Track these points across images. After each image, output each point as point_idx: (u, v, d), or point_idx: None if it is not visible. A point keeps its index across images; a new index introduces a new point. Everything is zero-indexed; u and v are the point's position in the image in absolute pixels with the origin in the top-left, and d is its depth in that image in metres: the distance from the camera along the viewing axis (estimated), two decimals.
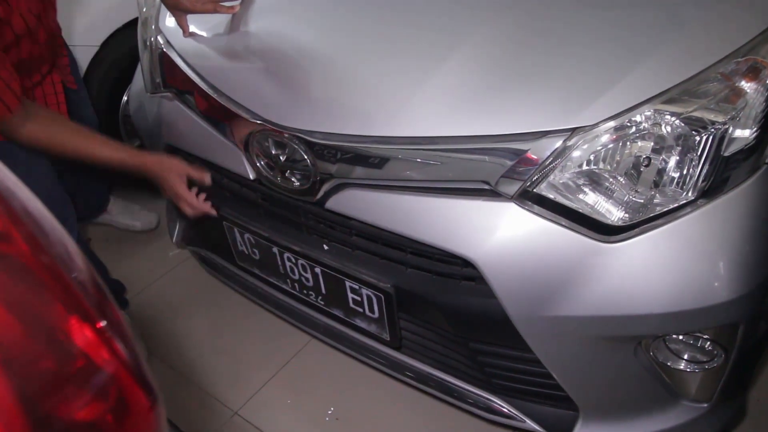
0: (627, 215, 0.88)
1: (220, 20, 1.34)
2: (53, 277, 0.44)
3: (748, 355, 1.00)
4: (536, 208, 0.90)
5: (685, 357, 0.96)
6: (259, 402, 1.51)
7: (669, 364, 0.96)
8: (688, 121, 0.87)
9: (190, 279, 1.90)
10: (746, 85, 0.87)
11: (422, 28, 1.15)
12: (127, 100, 1.77)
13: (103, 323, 0.44)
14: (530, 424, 1.08)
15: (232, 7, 1.37)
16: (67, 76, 1.58)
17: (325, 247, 1.14)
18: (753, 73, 0.88)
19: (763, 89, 0.88)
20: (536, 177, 0.90)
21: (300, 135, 1.03)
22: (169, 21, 1.37)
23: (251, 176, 1.15)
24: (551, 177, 0.90)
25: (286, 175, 1.08)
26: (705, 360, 0.96)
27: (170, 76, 1.33)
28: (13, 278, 0.41)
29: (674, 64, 0.91)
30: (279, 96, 1.13)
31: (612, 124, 0.88)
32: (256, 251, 1.26)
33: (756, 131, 0.87)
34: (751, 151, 0.87)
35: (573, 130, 0.88)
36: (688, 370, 0.97)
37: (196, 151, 1.28)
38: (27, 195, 0.50)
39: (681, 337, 0.94)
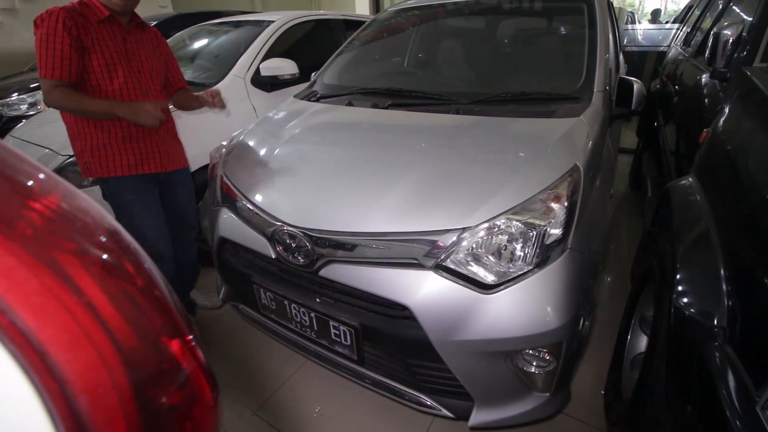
0: (496, 278, 0.98)
1: (257, 161, 1.43)
2: (157, 299, 0.42)
3: (569, 361, 1.04)
4: (444, 274, 0.99)
5: (534, 364, 1.02)
6: (271, 404, 1.49)
7: (525, 368, 1.01)
8: (525, 224, 0.99)
9: (230, 319, 1.92)
10: (554, 206, 1.01)
11: (381, 164, 1.24)
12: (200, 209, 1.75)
13: (190, 336, 0.43)
14: (445, 412, 1.10)
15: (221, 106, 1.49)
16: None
17: (317, 300, 1.16)
18: (557, 198, 1.02)
19: (563, 207, 1.01)
20: (443, 256, 0.99)
21: (304, 231, 1.12)
22: (225, 165, 1.46)
23: (273, 256, 1.20)
24: (452, 256, 0.99)
25: (295, 255, 1.15)
26: (544, 365, 1.01)
27: (225, 195, 1.41)
28: (130, 300, 0.38)
29: (516, 193, 1.03)
30: (292, 206, 1.19)
31: (485, 225, 0.99)
32: (274, 303, 1.27)
33: (561, 230, 1.00)
34: (560, 241, 0.99)
35: (463, 229, 1.00)
36: (536, 372, 1.01)
37: (238, 239, 1.32)
38: (129, 235, 0.45)
39: (530, 351, 1.00)
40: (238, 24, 2.79)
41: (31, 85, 3.79)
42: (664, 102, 2.53)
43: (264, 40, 2.48)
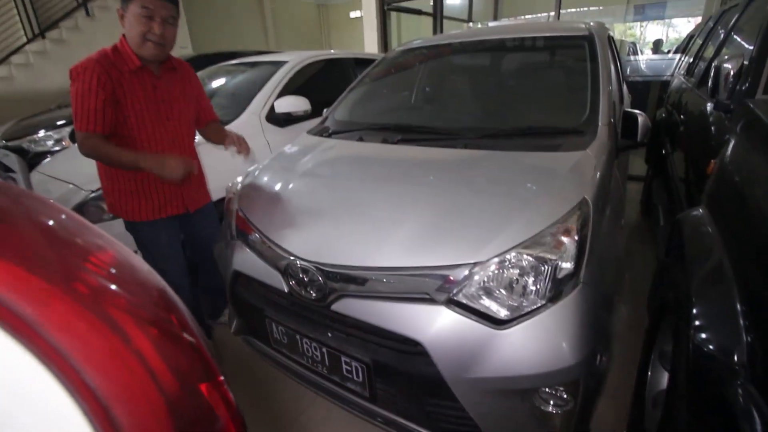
0: (508, 312, 0.97)
1: (271, 196, 1.46)
2: (195, 348, 0.45)
3: (588, 400, 1.01)
4: (457, 309, 0.98)
5: (551, 403, 0.98)
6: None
7: (542, 407, 0.98)
8: (536, 258, 0.99)
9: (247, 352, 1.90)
10: (564, 239, 1.01)
11: (392, 198, 1.25)
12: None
13: (221, 377, 0.47)
14: None
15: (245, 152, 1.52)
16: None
17: (329, 335, 1.15)
18: (567, 232, 1.02)
19: (574, 241, 1.01)
20: (455, 290, 0.99)
21: (317, 265, 1.12)
22: (241, 200, 1.50)
23: (285, 290, 1.21)
24: (464, 290, 0.99)
25: (307, 289, 1.15)
26: (562, 404, 0.97)
27: (240, 230, 1.43)
28: (174, 349, 0.41)
29: (526, 227, 1.03)
30: (305, 241, 1.20)
31: (496, 260, 0.99)
32: (285, 338, 1.26)
33: (573, 264, 0.99)
34: (572, 275, 0.98)
35: (475, 263, 1.00)
36: (554, 411, 0.98)
37: (251, 273, 1.33)
38: (172, 292, 0.49)
39: (547, 389, 0.97)
40: (254, 64, 2.93)
41: (58, 123, 3.98)
42: (670, 131, 2.55)
43: (278, 79, 2.59)
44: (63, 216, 0.37)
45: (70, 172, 2.22)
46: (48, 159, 2.63)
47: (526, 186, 1.20)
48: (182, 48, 7.95)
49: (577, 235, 1.03)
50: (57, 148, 3.74)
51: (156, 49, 1.33)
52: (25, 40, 6.54)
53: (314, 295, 1.15)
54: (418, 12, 6.33)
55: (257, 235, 1.34)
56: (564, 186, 1.16)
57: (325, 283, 1.12)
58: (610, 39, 2.22)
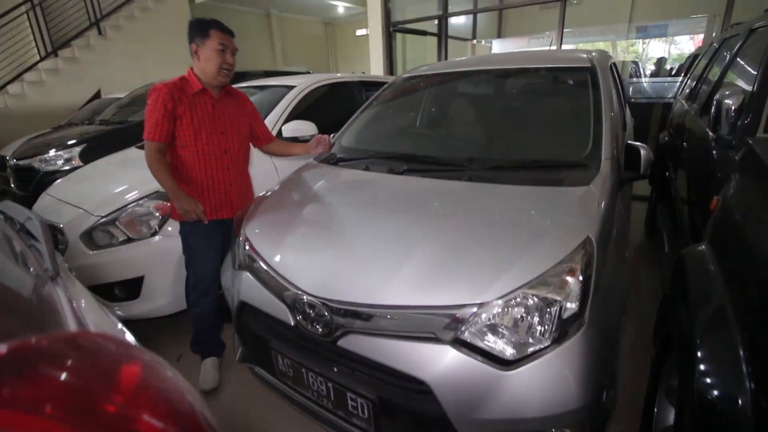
0: (514, 352, 0.97)
1: (279, 226, 1.48)
2: None
3: None
4: (462, 349, 0.99)
5: None
6: None
7: None
8: (542, 299, 1.00)
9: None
10: (569, 279, 1.02)
11: (398, 234, 1.26)
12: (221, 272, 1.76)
13: None
14: None
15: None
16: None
17: (335, 370, 1.15)
18: (571, 272, 1.03)
19: (578, 281, 1.02)
20: (461, 330, 1.00)
21: (323, 301, 1.14)
22: (249, 230, 1.52)
23: (292, 323, 1.22)
24: (470, 330, 1.00)
25: (314, 324, 1.17)
26: None
27: (247, 259, 1.44)
28: None
29: (531, 267, 1.04)
30: (312, 275, 1.21)
31: (501, 300, 1.00)
32: (291, 370, 1.27)
33: (578, 305, 1.00)
34: (577, 316, 1.00)
35: (481, 304, 1.01)
36: None
37: (258, 305, 1.34)
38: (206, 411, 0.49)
39: (554, 430, 0.97)
40: (263, 87, 2.99)
41: (68, 142, 4.06)
42: (673, 156, 2.57)
43: (286, 104, 2.65)
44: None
45: (80, 197, 2.27)
46: (58, 181, 2.67)
47: (531, 223, 1.22)
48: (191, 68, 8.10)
49: (582, 275, 1.04)
50: (67, 168, 3.81)
51: (227, 77, 1.64)
52: (38, 58, 6.71)
53: (321, 330, 1.17)
54: (423, 33, 6.46)
55: (264, 265, 1.36)
56: (568, 224, 1.17)
57: (331, 318, 1.14)
58: (613, 67, 2.26)
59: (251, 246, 1.46)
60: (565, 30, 4.72)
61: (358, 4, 9.95)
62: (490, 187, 1.43)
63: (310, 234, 1.41)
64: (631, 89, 5.00)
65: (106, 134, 4.21)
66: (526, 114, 1.97)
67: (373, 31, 5.88)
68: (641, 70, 6.30)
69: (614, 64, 2.49)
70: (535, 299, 1.01)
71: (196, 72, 1.62)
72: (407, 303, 1.06)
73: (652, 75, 6.10)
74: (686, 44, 7.53)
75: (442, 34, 5.75)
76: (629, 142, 1.60)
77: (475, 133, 2.00)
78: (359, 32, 11.48)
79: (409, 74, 2.42)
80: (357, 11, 10.70)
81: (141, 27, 7.51)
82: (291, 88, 2.78)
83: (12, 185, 4.14)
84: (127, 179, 2.33)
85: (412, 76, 2.39)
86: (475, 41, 8.44)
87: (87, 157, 3.80)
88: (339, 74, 3.32)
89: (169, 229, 2.08)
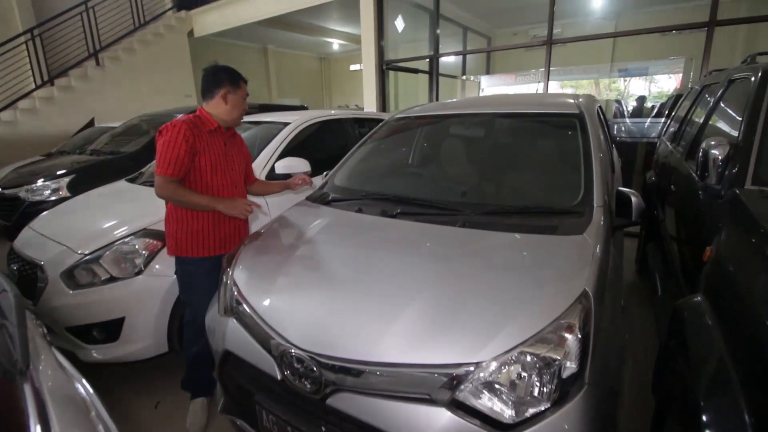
0: (513, 414, 0.93)
1: (267, 271, 1.43)
2: None
3: None
4: (459, 412, 0.94)
5: None
6: None
7: None
8: (540, 359, 0.96)
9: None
10: (567, 336, 0.98)
11: (391, 283, 1.21)
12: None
13: None
14: None
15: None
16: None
17: (323, 429, 1.10)
18: (569, 329, 0.99)
19: (577, 339, 0.99)
20: (457, 391, 0.95)
21: (313, 356, 1.09)
22: (237, 274, 1.47)
23: (278, 377, 1.17)
24: (465, 391, 0.96)
25: (302, 380, 1.11)
26: None
27: (234, 305, 1.39)
28: None
29: (528, 323, 1.00)
30: (301, 327, 1.16)
31: (498, 360, 0.96)
32: (276, 428, 1.20)
33: (577, 364, 0.96)
34: (577, 376, 0.96)
35: (477, 363, 0.96)
36: None
37: (243, 355, 1.28)
38: None
39: None
40: (258, 123, 3.01)
41: (57, 172, 4.00)
42: (661, 196, 2.61)
43: (280, 141, 2.66)
44: None
45: (64, 232, 2.20)
46: (44, 213, 2.60)
47: (527, 275, 1.19)
48: (187, 96, 8.21)
49: (580, 332, 1.01)
50: (54, 198, 3.74)
51: (241, 120, 1.80)
52: (33, 86, 6.74)
53: (309, 386, 1.11)
54: (415, 71, 6.67)
55: (251, 312, 1.31)
56: (564, 276, 1.15)
57: (320, 374, 1.08)
58: (600, 113, 2.33)
59: (239, 291, 1.41)
60: (551, 69, 4.91)
61: (353, 42, 10.29)
62: (484, 234, 1.41)
63: (300, 281, 1.37)
64: (614, 129, 5.16)
65: (97, 165, 4.17)
66: (518, 158, 2.00)
67: (367, 68, 6.05)
68: (624, 109, 6.54)
69: (600, 107, 2.57)
70: (534, 358, 0.97)
71: (211, 112, 1.69)
72: (401, 360, 1.01)
73: (634, 113, 6.32)
74: (665, 83, 7.88)
75: (434, 73, 5.94)
76: (620, 188, 1.62)
77: (468, 175, 2.01)
78: (353, 67, 11.81)
79: (401, 114, 2.46)
80: (351, 48, 11.05)
81: (139, 59, 7.63)
82: (286, 124, 2.80)
83: None
84: (114, 214, 2.28)
85: (404, 117, 2.43)
86: (464, 77, 8.73)
87: (75, 188, 3.74)
88: (333, 111, 3.36)
89: (156, 267, 2.01)
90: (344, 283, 1.29)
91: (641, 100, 7.56)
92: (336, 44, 11.10)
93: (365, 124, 3.50)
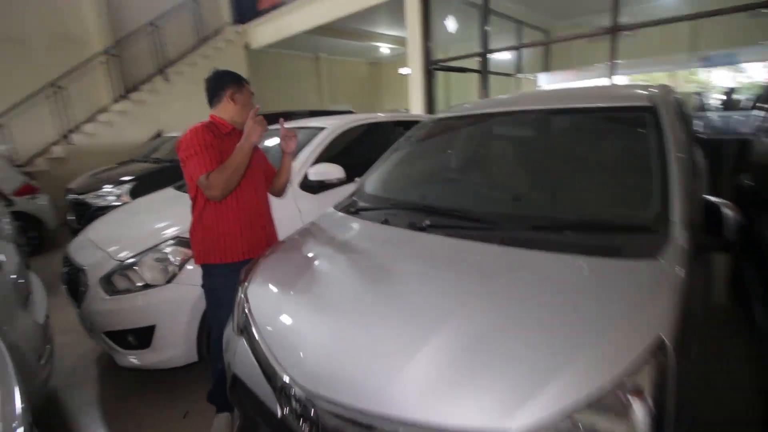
0: None
1: (280, 291, 1.33)
2: None
3: None
4: None
5: None
6: None
7: None
8: (594, 430, 0.73)
9: None
10: (634, 402, 0.74)
11: (410, 314, 1.04)
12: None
13: None
14: None
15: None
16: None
17: None
18: (636, 392, 0.75)
19: (647, 407, 0.74)
20: None
21: (311, 396, 0.95)
22: (251, 290, 1.37)
23: (278, 414, 1.05)
24: None
25: (300, 423, 0.98)
26: None
27: (244, 324, 1.30)
28: None
29: (579, 381, 0.78)
30: (304, 360, 1.03)
31: (537, 428, 0.74)
32: None
33: None
34: None
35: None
36: None
37: (248, 382, 1.19)
38: None
39: None
40: (292, 129, 2.95)
41: (122, 179, 4.30)
42: (761, 205, 2.13)
43: (314, 147, 2.57)
44: None
45: (105, 239, 2.27)
46: (98, 219, 2.74)
47: (579, 313, 0.93)
48: None
49: (651, 398, 0.75)
50: (116, 203, 4.00)
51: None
52: (106, 101, 7.44)
53: (307, 431, 0.96)
54: (463, 70, 6.37)
55: (257, 336, 1.20)
56: (630, 316, 0.89)
57: (317, 419, 0.93)
58: (680, 105, 1.92)
59: (249, 309, 1.31)
60: (617, 61, 4.39)
61: (401, 45, 10.18)
62: (527, 255, 1.16)
63: (311, 307, 1.22)
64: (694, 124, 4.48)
65: (156, 172, 4.42)
66: (574, 162, 1.68)
67: (413, 69, 5.88)
68: (706, 102, 5.73)
69: (682, 102, 2.15)
70: (585, 430, 0.73)
71: (222, 115, 1.70)
72: (413, 418, 0.82)
73: (725, 107, 5.48)
74: (757, 72, 6.81)
75: (484, 71, 5.61)
76: (707, 197, 1.28)
77: (511, 183, 1.74)
78: (402, 70, 11.70)
79: (440, 115, 2.24)
80: (400, 51, 10.94)
81: (201, 72, 8.08)
82: (321, 129, 2.70)
83: (70, 218, 4.42)
84: (155, 221, 2.31)
85: (443, 118, 2.21)
86: (519, 75, 8.23)
87: (136, 193, 3.97)
88: (372, 114, 3.22)
89: (187, 276, 1.99)
90: (357, 313, 1.12)
91: (730, 93, 6.63)
92: (385, 48, 11.09)
93: (408, 127, 3.31)
